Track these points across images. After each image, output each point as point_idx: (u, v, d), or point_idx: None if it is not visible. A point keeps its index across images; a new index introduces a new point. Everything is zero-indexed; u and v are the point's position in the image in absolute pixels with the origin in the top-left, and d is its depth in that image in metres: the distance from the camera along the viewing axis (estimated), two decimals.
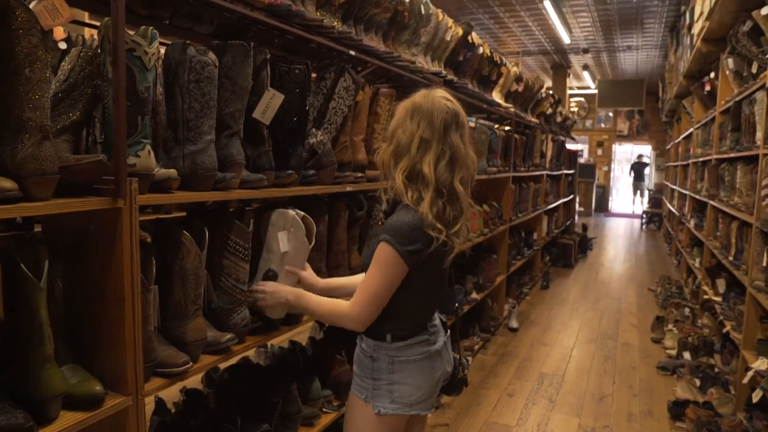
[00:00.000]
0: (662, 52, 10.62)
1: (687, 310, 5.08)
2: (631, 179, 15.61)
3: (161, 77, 1.56)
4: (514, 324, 5.02)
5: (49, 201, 1.11)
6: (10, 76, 1.07)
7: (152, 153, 1.32)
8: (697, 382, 3.60)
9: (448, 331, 1.71)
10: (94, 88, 1.35)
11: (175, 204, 1.90)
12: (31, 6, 1.07)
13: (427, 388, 1.57)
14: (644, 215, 13.41)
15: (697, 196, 5.86)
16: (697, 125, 6.45)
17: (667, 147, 12.04)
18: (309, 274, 1.80)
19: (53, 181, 1.10)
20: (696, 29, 5.40)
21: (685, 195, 7.22)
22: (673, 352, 4.32)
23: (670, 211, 9.72)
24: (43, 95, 1.10)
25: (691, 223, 6.18)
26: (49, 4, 1.07)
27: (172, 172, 1.38)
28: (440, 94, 1.54)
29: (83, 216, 1.22)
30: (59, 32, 2.03)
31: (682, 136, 8.31)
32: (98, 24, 1.80)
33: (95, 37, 2.28)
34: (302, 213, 1.77)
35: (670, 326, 4.77)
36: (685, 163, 7.68)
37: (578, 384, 3.82)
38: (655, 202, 13.54)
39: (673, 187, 9.23)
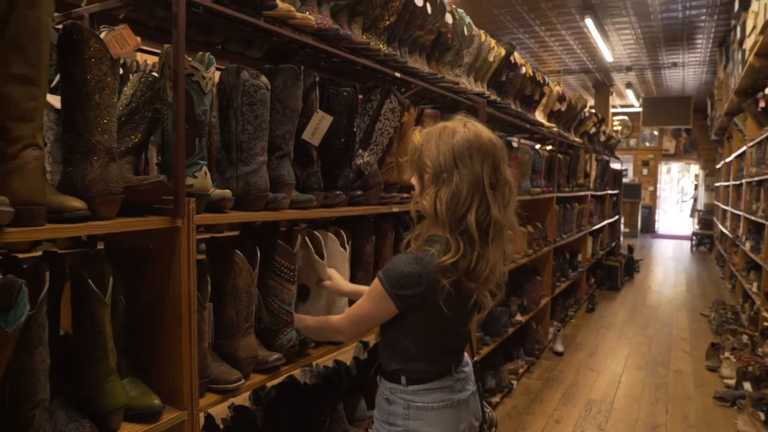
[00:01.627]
0: (710, 69, 10.36)
1: (745, 338, 4.86)
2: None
3: (215, 101, 1.62)
4: (559, 348, 4.90)
5: (114, 220, 1.16)
6: (81, 103, 1.14)
7: (209, 174, 1.36)
8: (762, 416, 3.42)
9: (479, 383, 1.58)
10: (154, 112, 1.41)
11: (227, 223, 1.95)
12: (101, 36, 1.14)
13: None
14: (694, 237, 12.98)
15: (753, 218, 5.64)
16: (751, 143, 6.24)
17: (718, 166, 11.68)
18: (335, 279, 1.77)
19: (118, 201, 1.16)
20: (748, 44, 5.26)
21: (739, 216, 6.96)
22: (732, 382, 4.12)
23: (722, 232, 9.38)
24: (111, 120, 1.16)
25: (747, 246, 5.95)
26: (117, 34, 1.13)
27: (227, 192, 1.43)
28: (481, 125, 1.40)
29: (143, 234, 1.27)
30: None
31: (734, 155, 8.05)
32: (149, 49, 1.90)
33: (147, 61, 2.39)
34: (311, 231, 1.80)
35: (726, 354, 4.57)
36: (738, 182, 7.43)
37: (628, 412, 3.69)
38: (705, 223, 13.10)
39: (725, 207, 8.93)
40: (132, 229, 1.18)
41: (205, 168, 1.36)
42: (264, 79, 1.55)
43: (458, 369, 1.50)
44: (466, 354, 1.58)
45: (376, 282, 1.39)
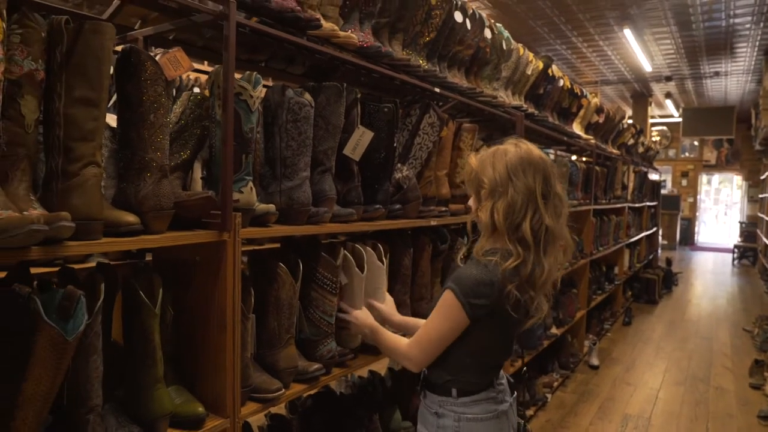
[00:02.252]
0: (755, 77, 10.07)
1: None
2: None
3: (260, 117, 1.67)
4: (594, 361, 4.82)
5: (165, 234, 1.21)
6: (137, 122, 1.19)
7: (254, 189, 1.41)
8: None
9: (515, 393, 1.62)
10: (203, 129, 1.46)
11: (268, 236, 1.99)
12: (156, 58, 1.19)
13: None
14: (736, 249, 12.60)
15: None
16: None
17: (762, 177, 11.33)
18: (387, 306, 1.83)
19: (169, 215, 1.21)
20: None
21: None
22: None
23: (766, 245, 9.09)
24: (164, 138, 1.21)
25: None
26: (172, 56, 1.18)
27: (271, 207, 1.47)
28: (531, 145, 1.50)
29: (191, 247, 1.32)
30: None
31: None
32: (196, 66, 1.96)
33: (191, 77, 2.47)
34: (352, 245, 1.84)
35: None
36: None
37: (667, 429, 3.61)
38: (749, 235, 12.71)
39: None
40: (182, 243, 1.23)
41: (250, 183, 1.41)
42: (308, 96, 1.59)
43: (498, 381, 1.55)
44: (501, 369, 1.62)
45: (446, 295, 1.42)
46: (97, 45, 1.02)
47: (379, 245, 1.89)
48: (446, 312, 1.43)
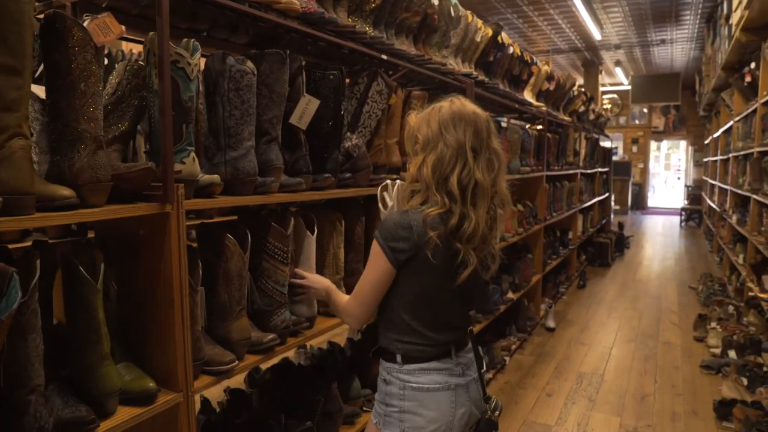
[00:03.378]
0: (698, 45, 10.37)
1: (731, 308, 4.96)
2: None
3: (202, 87, 1.62)
4: (551, 324, 4.97)
5: (103, 207, 1.17)
6: (66, 91, 1.14)
7: (197, 160, 1.38)
8: (745, 381, 3.51)
9: (484, 368, 1.58)
10: (141, 100, 1.41)
11: (217, 209, 1.96)
12: (84, 24, 1.14)
13: (443, 423, 1.44)
14: (683, 212, 13.10)
15: (739, 191, 5.71)
16: (738, 118, 6.29)
17: (706, 142, 11.75)
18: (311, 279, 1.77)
19: (107, 188, 1.17)
20: (734, 19, 5.27)
21: (726, 190, 7.04)
22: (718, 351, 4.21)
23: (710, 207, 9.48)
24: (97, 108, 1.17)
25: (734, 219, 6.03)
26: (101, 22, 1.13)
27: (216, 177, 1.44)
28: (467, 101, 1.50)
29: (133, 221, 1.29)
30: None
31: (721, 130, 8.11)
32: (133, 38, 1.89)
33: (133, 50, 2.38)
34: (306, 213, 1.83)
35: (713, 324, 4.65)
36: (725, 157, 7.50)
37: (618, 383, 3.77)
38: (694, 198, 13.21)
39: (713, 182, 9.01)
40: (121, 216, 1.20)
41: (192, 154, 1.37)
42: (250, 64, 1.55)
43: (459, 353, 1.51)
44: (470, 342, 1.58)
45: (373, 243, 1.44)
46: (14, 8, 0.97)
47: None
48: (372, 260, 1.44)
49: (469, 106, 1.47)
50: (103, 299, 1.20)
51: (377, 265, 1.42)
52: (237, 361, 1.50)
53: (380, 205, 1.68)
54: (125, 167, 1.25)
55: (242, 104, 1.53)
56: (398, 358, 1.46)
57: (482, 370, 1.56)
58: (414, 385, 1.45)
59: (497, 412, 1.55)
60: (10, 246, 1.38)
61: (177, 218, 1.30)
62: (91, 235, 1.54)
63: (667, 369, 4.03)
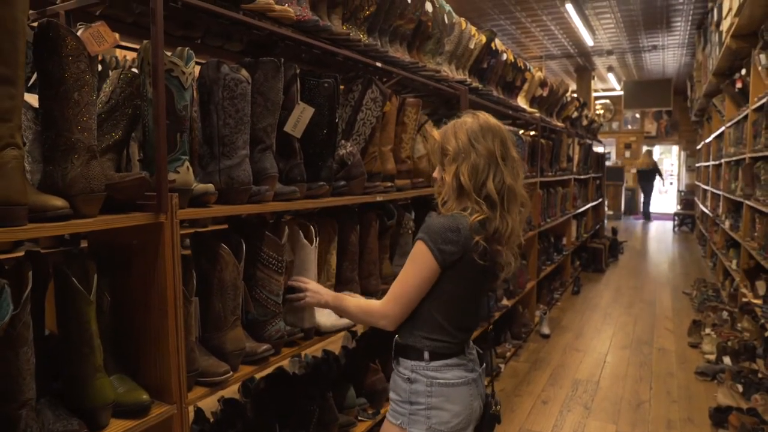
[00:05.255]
0: (689, 51, 10.45)
1: (725, 314, 4.97)
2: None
3: (196, 95, 1.61)
4: (545, 330, 4.97)
5: (97, 218, 1.16)
6: (60, 100, 1.13)
7: (191, 169, 1.37)
8: (740, 388, 3.51)
9: (484, 364, 1.67)
10: (134, 109, 1.40)
11: (211, 218, 1.95)
12: (78, 33, 1.13)
13: (464, 416, 1.53)
14: (676, 217, 13.16)
15: (732, 196, 5.74)
16: (729, 123, 6.33)
17: (698, 147, 11.83)
18: (313, 288, 1.76)
19: (100, 198, 1.16)
20: (725, 26, 5.31)
21: (719, 195, 7.07)
22: (713, 357, 4.22)
23: (703, 212, 9.52)
24: (90, 117, 1.16)
25: (726, 224, 6.06)
26: (95, 31, 1.13)
27: (210, 186, 1.43)
28: (488, 115, 1.61)
29: (127, 231, 1.27)
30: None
31: (713, 136, 8.16)
32: (127, 45, 1.88)
33: (127, 57, 2.37)
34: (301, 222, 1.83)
35: (707, 330, 4.67)
36: (717, 162, 7.54)
37: (614, 390, 3.77)
38: (687, 203, 13.27)
39: (706, 187, 9.06)
40: (115, 226, 1.19)
41: (187, 163, 1.36)
42: (244, 72, 1.54)
43: (469, 350, 1.61)
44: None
45: (417, 245, 1.50)
46: (7, 17, 0.96)
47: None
48: (418, 261, 1.49)
49: (492, 120, 1.58)
50: (96, 311, 1.19)
51: (423, 266, 1.48)
52: (231, 372, 1.48)
53: None
54: (119, 177, 1.23)
55: (237, 113, 1.52)
56: (426, 355, 1.53)
57: (483, 366, 1.66)
58: (441, 381, 1.51)
59: (498, 407, 1.67)
60: (1, 257, 1.37)
61: (171, 228, 1.28)
62: (84, 245, 1.52)
63: (662, 375, 4.03)
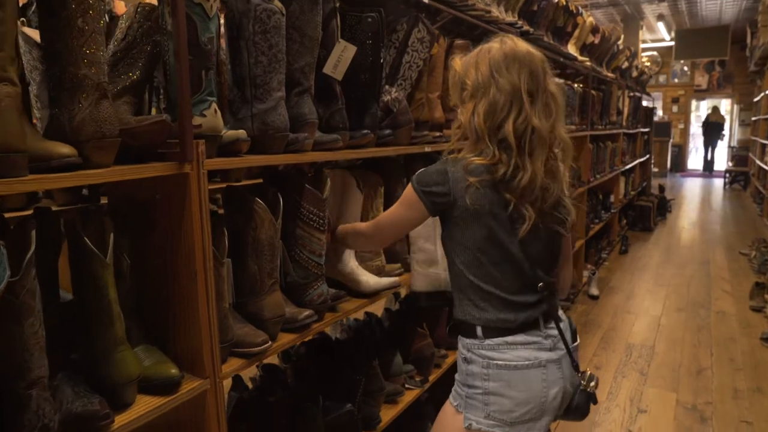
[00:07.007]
0: None
1: None
2: None
3: (224, 31, 1.42)
4: (594, 291, 4.75)
5: (111, 168, 0.99)
6: (62, 29, 0.96)
7: (219, 112, 1.19)
8: None
9: (577, 340, 1.44)
10: (154, 45, 1.22)
11: (245, 171, 1.79)
12: None
13: (535, 405, 1.31)
14: (727, 174, 12.52)
15: None
16: None
17: (756, 99, 11.11)
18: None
19: (114, 144, 0.99)
20: None
21: None
22: None
23: (760, 168, 8.98)
24: (98, 49, 0.98)
25: None
26: None
27: (242, 132, 1.25)
28: (519, 40, 1.36)
29: (149, 184, 1.11)
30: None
31: None
32: None
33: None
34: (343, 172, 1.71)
35: None
36: None
37: (671, 356, 3.54)
38: (740, 159, 12.60)
39: (765, 141, 8.50)
40: (131, 177, 1.02)
41: (214, 105, 1.18)
42: (278, 2, 1.34)
43: (549, 324, 1.37)
44: (563, 313, 1.45)
45: (407, 186, 1.39)
46: None
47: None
48: (404, 200, 1.40)
49: (522, 45, 1.33)
50: (114, 275, 1.03)
51: (410, 207, 1.38)
52: (270, 342, 1.33)
53: None
54: (135, 121, 1.06)
55: (270, 49, 1.33)
56: (478, 331, 1.33)
57: (576, 343, 1.42)
58: (499, 362, 1.31)
59: (593, 383, 1.41)
60: (13, 214, 1.23)
61: (198, 180, 1.12)
62: (105, 201, 1.37)
63: (723, 341, 3.78)
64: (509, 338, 1.31)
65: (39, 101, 1.19)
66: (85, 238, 0.98)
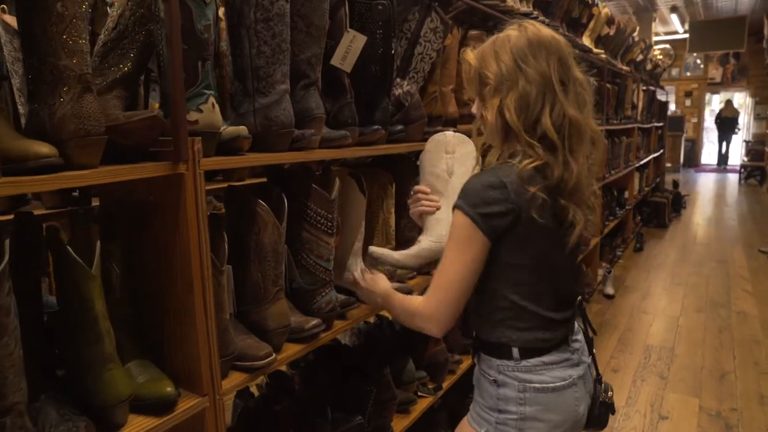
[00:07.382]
0: None
1: None
2: None
3: (223, 19, 1.33)
4: (609, 290, 4.62)
5: (97, 169, 0.90)
6: (40, 14, 0.86)
7: (217, 106, 1.09)
8: None
9: (593, 350, 1.33)
10: (148, 35, 1.12)
11: (248, 169, 1.69)
12: None
13: (568, 426, 1.21)
14: (743, 169, 12.30)
15: None
16: None
17: None
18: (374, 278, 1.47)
19: (99, 143, 0.89)
20: None
21: None
22: None
23: None
24: (80, 37, 0.88)
25: None
26: None
27: (242, 129, 1.15)
28: (540, 25, 1.21)
29: (141, 185, 1.01)
30: None
31: None
32: None
33: None
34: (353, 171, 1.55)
35: None
36: None
37: (692, 359, 3.42)
38: (755, 154, 12.37)
39: None
40: (119, 179, 0.92)
41: (212, 99, 1.09)
42: None
43: (573, 337, 1.26)
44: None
45: (455, 217, 1.15)
46: None
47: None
48: (459, 237, 1.14)
49: (546, 30, 1.18)
50: (102, 287, 0.94)
51: (466, 244, 1.12)
52: (274, 354, 1.23)
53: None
54: (124, 117, 0.97)
55: (273, 38, 1.23)
56: (515, 352, 1.19)
57: (593, 354, 1.31)
58: (537, 385, 1.18)
59: (610, 392, 1.31)
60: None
61: (194, 180, 1.02)
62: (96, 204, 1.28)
63: (746, 343, 3.65)
64: (546, 358, 1.19)
65: (22, 95, 1.10)
66: (68, 247, 0.89)
